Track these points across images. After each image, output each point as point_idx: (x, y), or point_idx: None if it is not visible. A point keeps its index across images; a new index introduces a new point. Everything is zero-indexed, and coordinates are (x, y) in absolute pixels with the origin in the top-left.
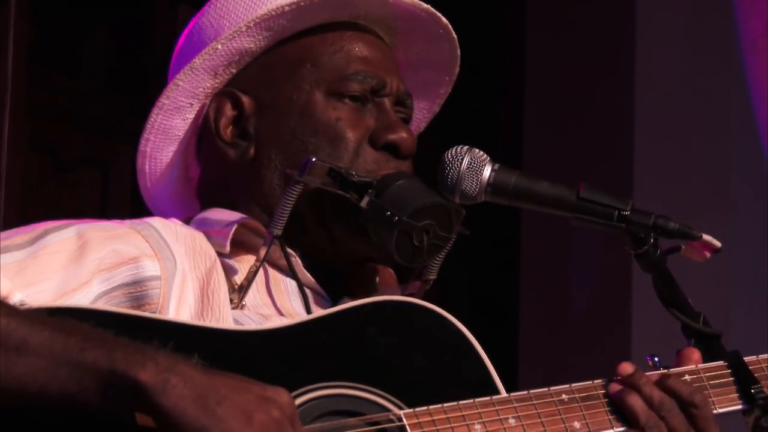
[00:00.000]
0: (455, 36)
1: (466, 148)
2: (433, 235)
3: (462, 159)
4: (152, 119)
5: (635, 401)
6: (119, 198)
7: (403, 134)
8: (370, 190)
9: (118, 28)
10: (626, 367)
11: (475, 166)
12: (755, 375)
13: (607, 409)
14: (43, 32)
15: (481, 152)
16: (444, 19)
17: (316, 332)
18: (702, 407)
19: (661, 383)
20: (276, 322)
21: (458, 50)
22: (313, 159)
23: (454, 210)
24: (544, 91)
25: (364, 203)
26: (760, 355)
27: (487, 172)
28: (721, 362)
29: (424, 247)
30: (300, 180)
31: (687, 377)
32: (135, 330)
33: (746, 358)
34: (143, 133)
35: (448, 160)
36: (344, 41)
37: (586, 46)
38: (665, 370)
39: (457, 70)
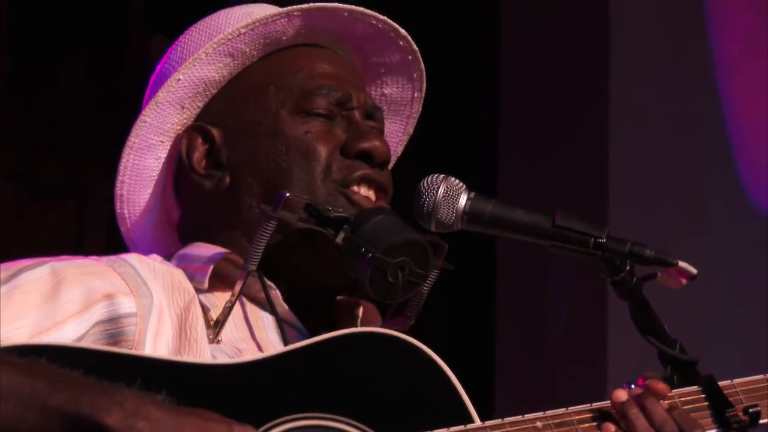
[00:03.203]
0: (417, 48)
1: (441, 176)
2: (409, 272)
3: (438, 187)
4: (124, 159)
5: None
6: (96, 226)
7: (376, 142)
8: (345, 226)
9: (94, 57)
10: (620, 394)
11: (451, 195)
12: (729, 399)
13: None
14: (20, 60)
15: (457, 180)
16: (403, 31)
17: (290, 364)
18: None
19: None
20: (250, 355)
21: (422, 65)
22: (287, 194)
23: (433, 246)
24: (519, 118)
25: (339, 239)
26: (734, 380)
27: (463, 200)
28: (695, 387)
29: (399, 284)
30: (274, 216)
31: (663, 402)
32: (109, 366)
33: (720, 383)
34: (117, 176)
35: (424, 189)
36: (306, 60)
37: (561, 71)
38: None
39: (425, 85)
